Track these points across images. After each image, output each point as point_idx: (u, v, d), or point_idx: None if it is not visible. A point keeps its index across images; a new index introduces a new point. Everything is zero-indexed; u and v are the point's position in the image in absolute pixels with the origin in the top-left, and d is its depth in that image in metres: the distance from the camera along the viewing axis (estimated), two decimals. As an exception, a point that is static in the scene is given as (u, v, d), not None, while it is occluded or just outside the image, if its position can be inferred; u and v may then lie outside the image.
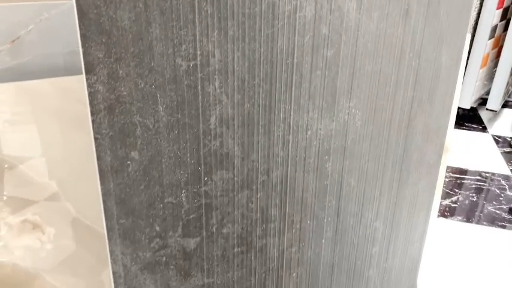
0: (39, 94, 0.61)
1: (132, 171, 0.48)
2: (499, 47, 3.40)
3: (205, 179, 0.53)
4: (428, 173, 0.74)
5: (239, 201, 0.57)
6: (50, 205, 0.65)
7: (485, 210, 2.26)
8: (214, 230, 0.56)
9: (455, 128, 2.73)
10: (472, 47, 2.65)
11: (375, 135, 0.64)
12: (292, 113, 0.55)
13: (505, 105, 3.79)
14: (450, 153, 2.51)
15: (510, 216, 2.20)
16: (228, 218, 0.56)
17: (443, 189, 2.11)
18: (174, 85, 0.46)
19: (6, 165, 0.60)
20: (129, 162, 0.47)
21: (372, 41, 0.57)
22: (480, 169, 2.69)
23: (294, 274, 0.67)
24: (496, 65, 3.49)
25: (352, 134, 0.62)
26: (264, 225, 0.60)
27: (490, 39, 3.12)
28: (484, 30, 2.71)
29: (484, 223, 2.15)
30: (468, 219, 2.18)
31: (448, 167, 2.47)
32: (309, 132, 0.58)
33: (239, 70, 0.50)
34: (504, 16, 3.22)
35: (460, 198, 2.37)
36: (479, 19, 2.62)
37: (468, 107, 2.99)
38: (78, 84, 0.64)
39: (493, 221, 2.17)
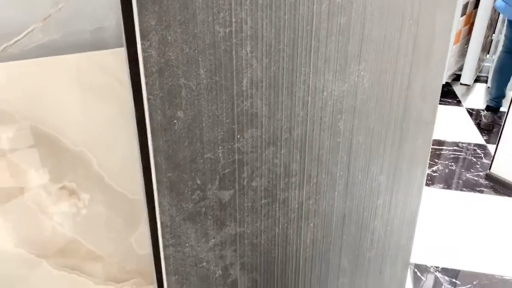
0: (72, 67, 0.65)
1: (178, 129, 0.53)
2: (470, 24, 3.54)
3: (238, 136, 0.59)
4: (425, 131, 0.83)
5: (266, 157, 0.63)
6: (85, 173, 0.70)
7: (464, 177, 2.40)
8: (245, 183, 0.62)
9: (432, 102, 2.84)
10: (447, 23, 2.73)
11: (380, 96, 0.72)
12: (311, 76, 0.62)
13: (477, 79, 3.95)
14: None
15: (487, 182, 2.34)
16: (256, 172, 0.63)
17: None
18: (213, 50, 0.52)
19: (44, 135, 0.65)
20: (175, 121, 0.53)
21: (378, 8, 0.64)
22: (457, 140, 2.83)
23: (312, 224, 0.74)
24: (467, 41, 3.63)
25: (361, 95, 0.69)
26: (286, 179, 0.67)
27: (462, 16, 3.24)
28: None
29: (464, 189, 2.29)
30: (449, 186, 2.31)
31: (428, 138, 2.56)
32: (324, 93, 0.64)
33: (267, 36, 0.56)
34: (475, -7, 3.34)
35: (440, 168, 2.50)
36: (453, -4, 2.70)
37: (443, 82, 3.11)
38: (105, 58, 0.68)
39: (472, 186, 2.31)
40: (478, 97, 3.60)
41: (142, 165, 0.65)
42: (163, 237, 0.58)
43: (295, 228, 0.72)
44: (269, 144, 0.62)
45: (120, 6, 0.47)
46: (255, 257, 0.69)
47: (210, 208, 0.61)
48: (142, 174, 0.66)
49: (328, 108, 0.66)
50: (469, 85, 3.57)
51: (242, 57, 0.55)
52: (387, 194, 0.83)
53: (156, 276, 0.71)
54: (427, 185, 2.34)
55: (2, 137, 0.62)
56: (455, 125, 3.05)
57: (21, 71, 0.62)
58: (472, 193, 2.25)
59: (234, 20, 0.52)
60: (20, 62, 0.62)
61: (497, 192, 2.26)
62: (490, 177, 2.35)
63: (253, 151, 0.61)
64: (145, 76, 0.49)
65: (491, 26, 3.70)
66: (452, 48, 3.34)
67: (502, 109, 3.15)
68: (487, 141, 2.83)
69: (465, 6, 3.28)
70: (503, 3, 2.62)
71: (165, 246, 0.58)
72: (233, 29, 0.53)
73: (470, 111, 3.32)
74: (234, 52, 0.54)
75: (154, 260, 0.69)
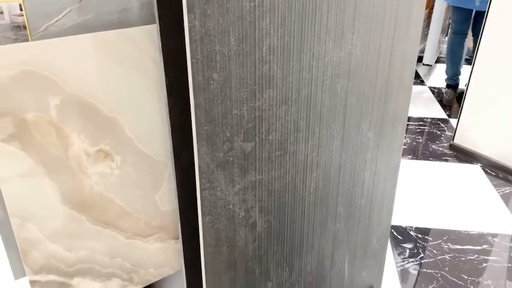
0: (105, 43, 0.74)
1: (213, 88, 0.64)
2: (430, 8, 3.75)
3: (258, 96, 0.70)
4: (404, 93, 0.96)
5: (279, 114, 0.75)
6: (117, 137, 0.80)
7: (430, 149, 2.60)
8: (263, 136, 0.74)
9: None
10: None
11: (369, 62, 0.85)
12: (315, 44, 0.74)
13: (437, 60, 4.20)
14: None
15: (451, 152, 2.55)
16: (272, 127, 0.75)
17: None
18: (240, 21, 0.63)
19: (85, 103, 0.74)
20: (211, 81, 0.64)
21: (367, -13, 0.77)
22: (422, 116, 3.04)
23: (314, 174, 0.87)
24: (428, 24, 3.84)
25: (354, 61, 0.82)
26: (295, 134, 0.79)
27: (422, -1, 3.43)
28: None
29: (430, 159, 2.49)
30: (417, 157, 2.51)
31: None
32: (326, 59, 0.77)
33: (281, 10, 0.67)
34: (434, -23, 3.54)
35: (408, 141, 2.70)
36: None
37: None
38: (133, 34, 0.78)
39: (438, 156, 2.51)
40: (439, 76, 3.83)
41: (171, 127, 0.76)
42: (200, 181, 0.69)
43: (301, 177, 0.84)
44: (282, 103, 0.74)
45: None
46: (270, 201, 0.81)
47: (236, 157, 0.72)
48: (170, 136, 0.77)
49: (328, 72, 0.78)
50: (430, 65, 3.80)
51: (263, 28, 0.66)
52: (375, 148, 0.96)
53: (183, 226, 0.82)
54: (398, 156, 2.53)
55: (50, 104, 0.71)
56: (419, 102, 3.26)
57: (63, 46, 0.71)
58: (438, 162, 2.46)
59: (257, -4, 0.63)
60: (61, 39, 0.71)
61: (460, 160, 2.48)
62: (453, 147, 2.57)
63: (269, 109, 0.73)
64: (190, 43, 0.59)
65: (449, 9, 3.92)
66: (415, 31, 3.53)
67: (462, 87, 3.39)
68: (449, 116, 3.06)
69: (425, -10, 3.47)
70: None
71: (201, 190, 0.69)
72: (256, 3, 0.64)
73: (433, 90, 3.55)
74: (256, 23, 0.65)
75: (186, 207, 0.80)
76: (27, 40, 0.72)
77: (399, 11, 0.85)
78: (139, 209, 0.87)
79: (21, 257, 0.77)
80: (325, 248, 0.97)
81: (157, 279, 0.95)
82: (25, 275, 0.92)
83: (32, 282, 0.79)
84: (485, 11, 2.26)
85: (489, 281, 1.60)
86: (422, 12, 0.90)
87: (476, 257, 1.72)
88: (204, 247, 0.74)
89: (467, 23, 3.02)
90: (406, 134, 2.77)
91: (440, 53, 4.31)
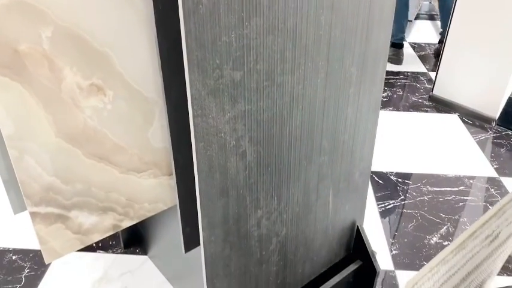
0: (93, -24, 0.75)
1: (203, 13, 0.66)
2: (410, -38, 3.73)
3: (246, 23, 0.73)
4: (384, 31, 1.00)
5: (266, 44, 0.77)
6: (109, 71, 0.81)
7: (410, 101, 2.67)
8: (251, 66, 0.77)
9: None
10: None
11: (351, -5, 0.87)
12: (299, -27, 0.76)
13: (417, 17, 4.22)
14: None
15: (430, 103, 2.62)
16: (260, 57, 0.78)
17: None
18: None
19: (76, 36, 0.75)
20: (200, 6, 0.66)
21: None
22: (402, 70, 3.10)
23: (300, 107, 0.90)
24: (408, -21, 3.83)
25: (337, -7, 0.84)
26: (282, 65, 0.82)
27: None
28: None
29: (411, 110, 2.56)
30: (398, 109, 2.58)
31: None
32: (310, -10, 0.79)
33: None
34: None
35: (389, 94, 2.76)
36: None
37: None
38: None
39: (418, 107, 2.58)
40: (419, 32, 3.87)
41: (161, 61, 0.78)
42: (192, 108, 0.72)
43: (288, 109, 0.88)
44: (269, 32, 0.77)
45: None
46: (259, 132, 0.85)
47: (226, 86, 0.75)
48: (161, 70, 0.79)
49: (312, 3, 0.81)
50: (410, 21, 3.82)
51: (249, -46, 0.68)
52: (357, 83, 1.00)
53: (176, 158, 0.86)
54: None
55: (42, 36, 0.72)
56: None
57: (51, -22, 0.71)
58: (418, 113, 2.53)
59: None
60: (49, -30, 0.71)
61: (439, 110, 2.55)
62: (432, 99, 2.64)
63: (257, 37, 0.75)
64: (179, -34, 0.61)
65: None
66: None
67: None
68: (429, 70, 3.12)
69: None
70: None
71: (194, 116, 0.73)
72: None
73: (413, 45, 3.59)
74: (242, -51, 0.67)
75: (178, 141, 0.83)
76: (14, -29, 0.72)
77: None
78: (133, 144, 0.90)
79: (20, 189, 0.79)
80: (310, 180, 1.02)
81: (152, 214, 1.00)
82: (24, 210, 0.95)
83: (32, 214, 0.82)
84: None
85: (465, 218, 1.70)
86: None
87: (453, 197, 1.82)
88: (198, 173, 0.78)
89: None
90: (387, 87, 2.82)
91: (419, 10, 4.33)
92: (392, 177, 1.94)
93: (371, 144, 1.15)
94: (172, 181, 0.96)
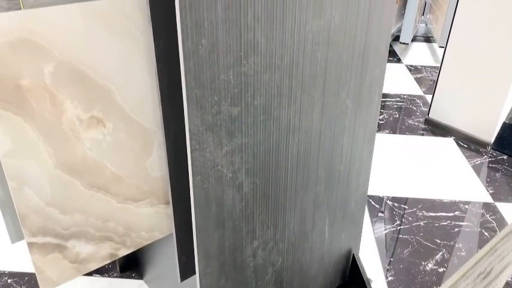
0: (97, 12, 0.77)
1: (202, 53, 0.68)
2: (407, -14, 3.80)
3: (244, 62, 0.75)
4: (380, 63, 1.02)
5: (264, 80, 0.79)
6: (109, 103, 0.83)
7: (407, 123, 2.69)
8: (249, 101, 0.79)
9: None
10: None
11: (347, 31, 0.89)
12: (296, 12, 0.78)
13: (414, 39, 4.29)
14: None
15: (426, 126, 2.65)
16: (257, 93, 0.79)
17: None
18: (227, -10, 0.67)
19: (77, 70, 0.77)
20: (200, 46, 0.68)
21: (345, -41, 0.81)
22: (399, 92, 3.13)
23: (297, 138, 0.92)
24: (405, 4, 3.91)
25: (333, 30, 0.86)
26: (278, 99, 0.84)
27: (400, -22, 3.49)
28: (396, -32, 3.03)
29: (407, 133, 2.58)
30: (394, 131, 2.60)
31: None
32: (307, 27, 0.81)
33: (265, -21, 0.71)
34: (410, -44, 3.59)
35: (385, 116, 2.79)
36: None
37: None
38: (123, 4, 0.81)
39: (414, 130, 2.61)
40: (415, 54, 3.92)
41: (160, 95, 0.80)
42: (190, 142, 0.73)
43: (284, 141, 0.90)
44: (266, 69, 0.79)
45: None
46: (256, 163, 0.86)
47: (223, 121, 0.77)
48: (160, 103, 0.81)
49: (309, 40, 0.83)
50: (407, 43, 3.87)
51: (247, -4, 0.70)
52: (352, 115, 1.02)
53: (173, 188, 0.87)
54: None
55: (44, 71, 0.74)
56: (397, 80, 3.35)
57: (55, 15, 0.73)
58: (414, 136, 2.55)
59: (241, -35, 0.67)
60: (54, 7, 0.74)
61: (435, 133, 2.58)
62: (428, 122, 2.66)
63: (254, 74, 0.77)
64: (180, 9, 0.63)
65: (425, -13, 3.99)
66: (392, 9, 3.59)
67: (436, 64, 3.47)
68: (425, 93, 3.15)
69: (402, -31, 3.52)
70: None
71: (192, 151, 0.74)
72: (241, -27, 0.67)
73: (409, 67, 3.64)
74: (241, -8, 0.69)
75: (176, 172, 0.84)
76: (19, 9, 0.75)
77: (375, -18, 0.90)
78: (131, 174, 0.92)
79: (19, 220, 0.80)
80: (307, 209, 1.03)
81: (149, 242, 1.00)
82: (21, 239, 0.96)
83: (29, 244, 0.83)
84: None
85: (460, 244, 1.71)
86: (396, -16, 0.95)
87: (449, 222, 1.83)
88: (194, 206, 0.79)
89: None
90: (384, 110, 2.85)
91: (416, 32, 4.39)
92: (388, 201, 1.95)
93: (367, 174, 1.17)
94: (169, 210, 0.97)
